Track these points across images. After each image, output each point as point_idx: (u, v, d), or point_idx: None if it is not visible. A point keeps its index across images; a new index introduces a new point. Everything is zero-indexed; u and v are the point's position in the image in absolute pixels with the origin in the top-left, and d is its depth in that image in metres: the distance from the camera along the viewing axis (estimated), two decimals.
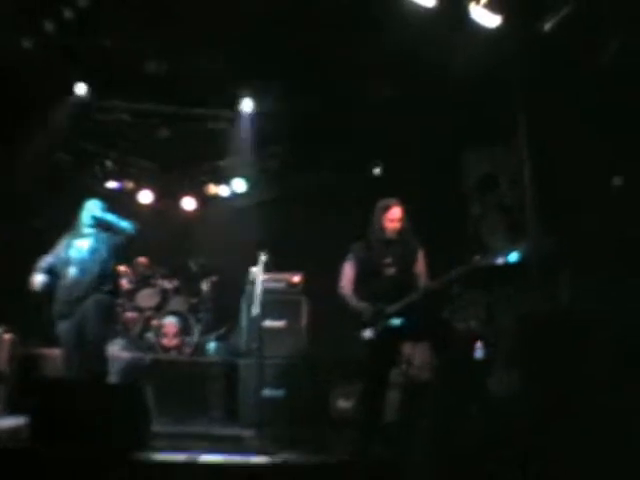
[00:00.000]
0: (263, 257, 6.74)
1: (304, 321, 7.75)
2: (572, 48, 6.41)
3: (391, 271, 5.56)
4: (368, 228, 5.77)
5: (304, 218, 8.75)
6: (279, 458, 5.50)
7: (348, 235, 6.68)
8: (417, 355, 6.55)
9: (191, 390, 7.38)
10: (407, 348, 5.91)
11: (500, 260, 6.20)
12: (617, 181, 7.22)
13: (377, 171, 9.14)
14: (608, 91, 6.24)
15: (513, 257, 6.56)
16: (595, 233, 6.42)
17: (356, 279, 5.74)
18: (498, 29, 6.26)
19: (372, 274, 5.63)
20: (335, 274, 6.14)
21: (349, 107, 8.21)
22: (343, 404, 7.30)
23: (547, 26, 6.40)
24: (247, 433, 6.55)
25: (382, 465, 5.12)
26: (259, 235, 8.44)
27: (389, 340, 5.52)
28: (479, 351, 5.88)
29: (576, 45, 6.34)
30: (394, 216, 5.56)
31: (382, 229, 5.57)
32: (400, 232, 5.58)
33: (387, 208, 5.58)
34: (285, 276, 7.89)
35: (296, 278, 7.98)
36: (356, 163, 9.02)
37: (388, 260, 5.54)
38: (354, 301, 5.57)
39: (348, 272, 5.67)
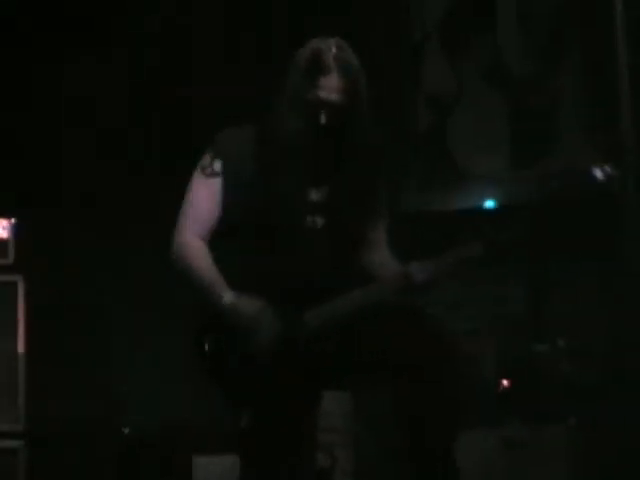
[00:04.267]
0: None
1: (21, 331, 3.74)
2: None
3: (318, 222, 2.66)
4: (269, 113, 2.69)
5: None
6: None
7: None
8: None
9: None
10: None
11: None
12: None
13: None
14: None
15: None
16: None
17: (222, 228, 2.69)
18: None
19: (269, 223, 2.60)
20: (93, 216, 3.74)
21: None
22: None
23: None
24: None
25: None
26: None
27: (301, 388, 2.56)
28: None
29: None
30: (335, 84, 2.55)
31: (303, 117, 2.59)
32: (347, 125, 2.59)
33: (318, 62, 2.55)
34: None
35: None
36: None
37: (313, 196, 2.65)
38: (222, 286, 2.58)
39: (205, 204, 2.66)
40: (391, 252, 2.76)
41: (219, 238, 2.67)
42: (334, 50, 2.58)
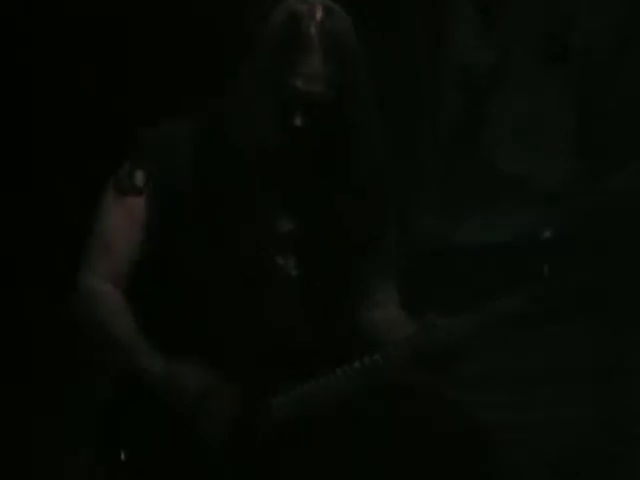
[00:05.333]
0: None
1: None
2: None
3: (290, 265, 2.05)
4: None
5: None
6: None
7: None
8: None
9: None
10: None
11: None
12: None
13: None
14: None
15: None
16: None
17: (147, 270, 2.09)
18: None
19: (216, 265, 2.02)
20: None
21: None
22: None
23: None
24: None
25: None
26: None
27: None
28: None
29: None
30: (318, 68, 1.95)
31: (270, 115, 2.00)
32: (335, 127, 2.00)
33: (296, 34, 1.94)
34: None
35: None
36: None
37: (284, 227, 2.05)
38: (146, 351, 1.94)
39: (122, 234, 2.05)
40: (401, 304, 2.08)
41: (142, 283, 2.05)
42: (319, 16, 1.96)
